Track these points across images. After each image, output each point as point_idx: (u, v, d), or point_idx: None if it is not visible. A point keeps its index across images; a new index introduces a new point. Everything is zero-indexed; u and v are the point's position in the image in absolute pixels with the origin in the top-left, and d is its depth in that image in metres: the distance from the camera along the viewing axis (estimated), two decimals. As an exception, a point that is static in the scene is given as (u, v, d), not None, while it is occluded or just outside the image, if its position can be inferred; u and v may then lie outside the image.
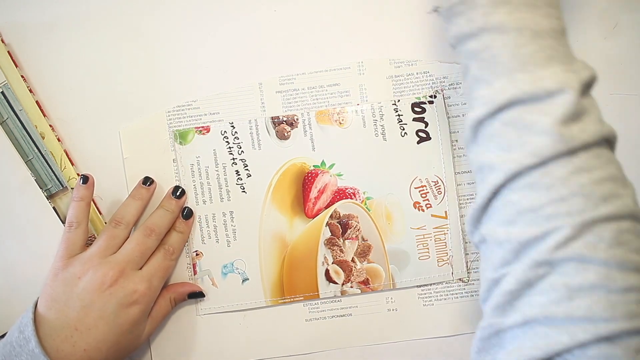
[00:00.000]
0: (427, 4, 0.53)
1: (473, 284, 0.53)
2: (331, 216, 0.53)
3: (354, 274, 0.53)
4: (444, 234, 0.53)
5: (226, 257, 0.54)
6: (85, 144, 0.54)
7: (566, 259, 0.32)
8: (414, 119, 0.53)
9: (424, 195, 0.53)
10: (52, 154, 0.52)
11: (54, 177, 0.52)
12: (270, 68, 0.54)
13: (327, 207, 0.53)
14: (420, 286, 0.54)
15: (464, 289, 0.54)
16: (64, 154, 0.53)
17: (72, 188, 0.52)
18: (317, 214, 0.53)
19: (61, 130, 0.54)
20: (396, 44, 0.54)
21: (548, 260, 0.33)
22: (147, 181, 0.52)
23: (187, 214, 0.53)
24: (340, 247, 0.53)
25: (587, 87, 0.36)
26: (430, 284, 0.54)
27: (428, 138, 0.53)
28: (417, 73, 0.53)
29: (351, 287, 0.53)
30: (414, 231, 0.53)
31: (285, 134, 0.53)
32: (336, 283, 0.53)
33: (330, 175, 0.53)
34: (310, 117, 0.53)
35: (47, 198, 0.52)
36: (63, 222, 0.52)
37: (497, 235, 0.35)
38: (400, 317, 0.54)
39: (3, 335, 0.51)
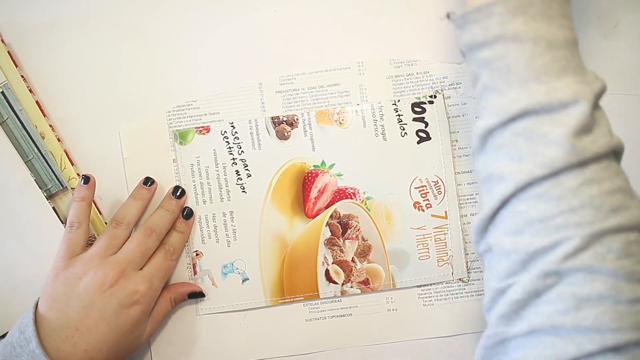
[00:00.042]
0: (432, 6, 0.53)
1: (473, 284, 0.53)
2: (331, 216, 0.53)
3: (354, 274, 0.53)
4: (444, 234, 0.53)
5: (226, 257, 0.54)
6: (85, 144, 0.54)
7: (575, 270, 0.32)
8: (414, 119, 0.53)
9: (424, 195, 0.53)
10: (52, 154, 0.52)
11: (54, 177, 0.52)
12: (270, 68, 0.54)
13: (327, 207, 0.53)
14: (420, 286, 0.54)
15: (464, 289, 0.54)
16: (64, 154, 0.53)
17: (72, 188, 0.52)
18: (317, 214, 0.53)
19: (61, 130, 0.54)
20: (396, 44, 0.54)
21: (556, 271, 0.33)
22: (148, 181, 0.52)
23: (188, 214, 0.53)
24: (340, 247, 0.53)
25: (598, 98, 0.36)
26: (430, 284, 0.54)
27: (428, 138, 0.53)
28: (417, 73, 0.53)
29: (351, 287, 0.53)
30: (414, 231, 0.53)
31: (285, 134, 0.53)
32: (336, 283, 0.53)
33: (330, 175, 0.53)
34: (310, 117, 0.53)
35: (47, 198, 0.52)
36: (63, 222, 0.52)
37: (504, 245, 0.35)
38: (400, 317, 0.54)
39: (3, 336, 0.51)
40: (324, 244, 0.53)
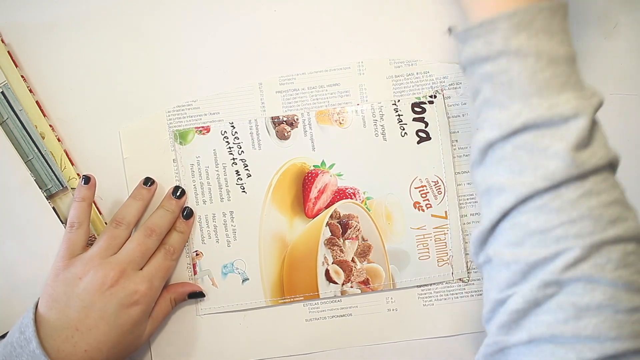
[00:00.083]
0: (432, 6, 0.53)
1: (473, 284, 0.53)
2: (331, 216, 0.53)
3: (354, 274, 0.53)
4: (444, 234, 0.53)
5: (226, 257, 0.54)
6: (85, 144, 0.54)
7: (575, 279, 0.33)
8: (414, 119, 0.53)
9: (424, 195, 0.53)
10: (52, 154, 0.52)
11: (54, 177, 0.52)
12: (270, 68, 0.54)
13: (327, 207, 0.53)
14: (420, 286, 0.54)
15: (464, 289, 0.54)
16: (64, 154, 0.53)
17: (72, 188, 0.52)
18: (317, 214, 0.53)
19: (61, 130, 0.54)
20: (396, 44, 0.54)
21: (557, 281, 0.33)
22: (148, 182, 0.52)
23: (188, 214, 0.53)
24: (340, 247, 0.53)
25: (596, 113, 0.36)
26: (430, 284, 0.54)
27: (428, 138, 0.53)
28: (417, 73, 0.53)
29: (351, 287, 0.53)
30: (414, 231, 0.53)
31: (285, 134, 0.53)
32: (336, 283, 0.53)
33: (330, 175, 0.53)
34: (310, 117, 0.53)
35: (47, 198, 0.52)
36: (63, 222, 0.52)
37: (504, 257, 0.36)
38: (400, 317, 0.54)
39: (4, 336, 0.51)
40: (324, 244, 0.53)
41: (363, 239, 0.53)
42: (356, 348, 0.54)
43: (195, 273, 0.54)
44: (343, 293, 0.54)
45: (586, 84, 0.37)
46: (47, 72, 0.54)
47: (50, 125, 0.53)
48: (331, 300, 0.54)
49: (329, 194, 0.53)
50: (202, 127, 0.53)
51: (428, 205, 0.53)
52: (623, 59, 0.54)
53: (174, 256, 0.51)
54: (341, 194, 0.53)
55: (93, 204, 0.52)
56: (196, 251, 0.54)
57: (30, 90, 0.52)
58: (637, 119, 0.54)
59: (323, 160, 0.53)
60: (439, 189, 0.53)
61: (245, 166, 0.53)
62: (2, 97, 0.52)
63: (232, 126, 0.53)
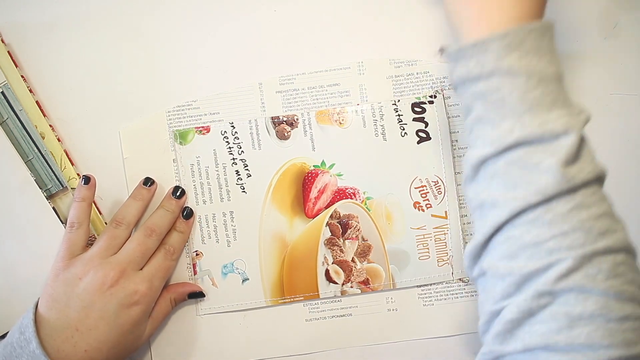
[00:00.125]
0: (432, 6, 0.53)
1: (473, 283, 0.53)
2: (331, 216, 0.53)
3: (354, 274, 0.53)
4: (444, 234, 0.53)
5: (226, 257, 0.54)
6: (85, 144, 0.54)
7: (568, 290, 0.34)
8: (414, 119, 0.53)
9: (424, 195, 0.53)
10: (52, 154, 0.52)
11: (54, 177, 0.52)
12: (270, 68, 0.54)
13: (327, 207, 0.53)
14: (420, 286, 0.54)
15: (464, 289, 0.54)
16: (64, 154, 0.53)
17: (72, 188, 0.52)
18: (317, 214, 0.53)
19: (61, 130, 0.54)
20: (396, 44, 0.54)
21: (550, 291, 0.34)
22: (148, 182, 0.52)
23: (188, 214, 0.53)
24: (340, 247, 0.53)
25: (584, 128, 0.38)
26: (430, 284, 0.54)
27: (428, 138, 0.53)
28: (417, 73, 0.53)
29: (351, 287, 0.53)
30: (414, 231, 0.53)
31: (285, 134, 0.53)
32: (336, 283, 0.53)
33: (330, 175, 0.53)
34: (310, 117, 0.53)
35: (47, 198, 0.52)
36: (63, 222, 0.52)
37: (499, 270, 0.37)
38: (400, 317, 0.54)
39: (4, 336, 0.51)
40: (324, 244, 0.53)
41: (363, 239, 0.53)
42: (356, 348, 0.54)
43: (195, 273, 0.54)
44: (343, 293, 0.54)
45: (573, 101, 0.38)
46: (47, 72, 0.54)
47: (50, 125, 0.53)
48: (331, 300, 0.54)
49: (329, 194, 0.53)
50: (202, 127, 0.53)
51: (428, 205, 0.53)
52: (623, 59, 0.54)
53: (174, 256, 0.51)
54: (341, 194, 0.53)
55: (93, 204, 0.52)
56: (196, 251, 0.54)
57: (30, 90, 0.52)
58: (637, 119, 0.54)
59: (323, 160, 0.53)
60: (439, 189, 0.53)
61: (245, 166, 0.53)
62: (2, 97, 0.52)
63: (232, 126, 0.53)
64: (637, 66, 0.54)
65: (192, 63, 0.54)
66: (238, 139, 0.53)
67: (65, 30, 0.54)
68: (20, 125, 0.52)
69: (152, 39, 0.54)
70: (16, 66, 0.52)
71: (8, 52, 0.52)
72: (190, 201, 0.53)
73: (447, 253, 0.53)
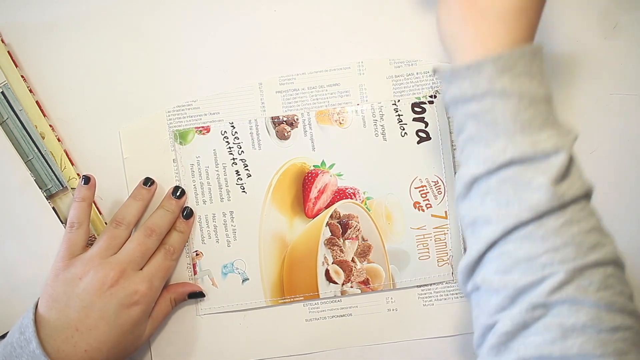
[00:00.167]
0: (432, 6, 0.53)
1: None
2: (331, 216, 0.53)
3: (354, 274, 0.53)
4: (444, 234, 0.53)
5: (226, 257, 0.54)
6: (85, 144, 0.54)
7: (561, 301, 0.35)
8: (414, 119, 0.53)
9: (424, 195, 0.53)
10: (52, 154, 0.52)
11: (54, 177, 0.52)
12: (270, 68, 0.54)
13: (327, 207, 0.53)
14: (420, 286, 0.54)
15: (464, 289, 0.54)
16: (64, 154, 0.53)
17: (72, 188, 0.52)
18: (317, 214, 0.53)
19: (61, 130, 0.54)
20: (396, 44, 0.54)
21: (544, 303, 0.35)
22: (148, 182, 0.52)
23: (188, 213, 0.53)
24: (340, 247, 0.53)
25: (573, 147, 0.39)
26: (430, 284, 0.54)
27: (428, 138, 0.53)
28: (417, 73, 0.53)
29: (351, 287, 0.53)
30: (414, 231, 0.53)
31: (285, 134, 0.53)
32: (336, 283, 0.53)
33: (330, 175, 0.53)
34: (310, 117, 0.53)
35: (47, 198, 0.52)
36: (63, 222, 0.52)
37: (493, 284, 0.38)
38: (400, 317, 0.54)
39: (3, 336, 0.51)
40: (324, 244, 0.53)
41: (363, 239, 0.53)
42: (356, 348, 0.54)
43: (195, 273, 0.54)
44: (343, 293, 0.54)
45: (561, 120, 0.39)
46: (47, 72, 0.54)
47: (50, 125, 0.53)
48: (331, 300, 0.54)
49: (329, 194, 0.53)
50: (202, 127, 0.53)
51: (428, 205, 0.53)
52: (623, 59, 0.54)
53: (174, 256, 0.51)
54: (341, 194, 0.53)
55: (93, 204, 0.52)
56: (196, 251, 0.54)
57: (30, 90, 0.52)
58: (637, 119, 0.54)
59: (323, 160, 0.53)
60: (439, 189, 0.53)
61: (245, 166, 0.53)
62: (2, 97, 0.52)
63: (232, 126, 0.53)
64: (637, 66, 0.54)
65: (192, 63, 0.54)
66: (238, 139, 0.53)
67: (65, 30, 0.54)
68: (20, 125, 0.52)
69: (152, 39, 0.54)
70: (16, 66, 0.52)
71: (8, 52, 0.52)
72: (190, 201, 0.53)
73: (447, 253, 0.53)
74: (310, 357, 0.54)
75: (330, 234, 0.53)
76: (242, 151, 0.53)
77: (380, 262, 0.53)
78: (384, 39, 0.54)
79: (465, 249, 0.53)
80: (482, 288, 0.39)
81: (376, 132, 0.53)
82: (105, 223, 0.53)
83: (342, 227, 0.53)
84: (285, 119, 0.53)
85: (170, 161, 0.54)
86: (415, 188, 0.53)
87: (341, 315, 0.54)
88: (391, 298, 0.54)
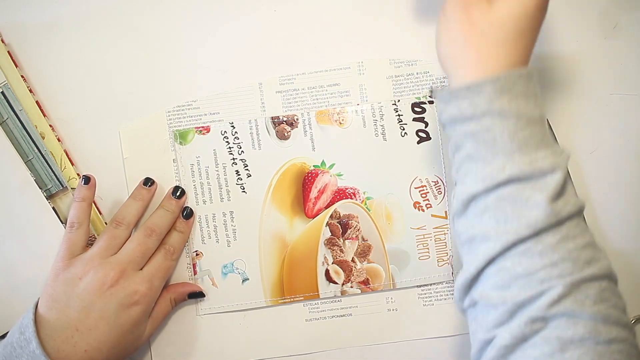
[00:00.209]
0: (432, 7, 0.53)
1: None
2: (331, 216, 0.53)
3: (354, 274, 0.53)
4: (444, 234, 0.53)
5: (226, 257, 0.54)
6: (85, 144, 0.54)
7: (559, 315, 0.36)
8: (414, 119, 0.53)
9: (424, 195, 0.53)
10: (52, 154, 0.52)
11: (54, 177, 0.52)
12: (270, 68, 0.54)
13: (327, 207, 0.53)
14: (420, 286, 0.54)
15: (464, 289, 0.54)
16: (64, 154, 0.53)
17: (72, 188, 0.52)
18: (317, 214, 0.53)
19: (61, 130, 0.54)
20: (396, 44, 0.54)
21: (543, 316, 0.36)
22: (148, 182, 0.52)
23: (188, 213, 0.53)
24: (340, 247, 0.53)
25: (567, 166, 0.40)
26: (430, 284, 0.54)
27: (428, 138, 0.53)
28: (417, 73, 0.53)
29: (351, 287, 0.53)
30: (414, 231, 0.53)
31: (285, 134, 0.53)
32: (336, 283, 0.53)
33: (330, 175, 0.53)
34: (310, 117, 0.53)
35: (47, 198, 0.52)
36: (63, 222, 0.52)
37: (491, 299, 0.38)
38: (400, 317, 0.54)
39: (3, 336, 0.51)
40: (324, 244, 0.53)
41: (363, 239, 0.53)
42: (356, 348, 0.54)
43: (195, 273, 0.54)
44: (343, 293, 0.54)
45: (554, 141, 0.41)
46: (47, 72, 0.54)
47: (50, 125, 0.53)
48: (331, 300, 0.54)
49: (329, 194, 0.53)
50: (202, 127, 0.53)
51: (428, 205, 0.53)
52: (623, 59, 0.54)
53: (174, 256, 0.51)
54: (341, 194, 0.53)
55: (93, 204, 0.52)
56: (196, 251, 0.54)
57: (30, 90, 0.52)
58: (637, 119, 0.54)
59: (323, 160, 0.53)
60: (439, 189, 0.53)
61: (245, 166, 0.53)
62: (2, 97, 0.52)
63: (232, 126, 0.53)
64: (637, 66, 0.54)
65: (192, 63, 0.54)
66: (238, 139, 0.53)
67: (65, 30, 0.54)
68: (20, 125, 0.52)
69: (152, 39, 0.54)
70: (16, 66, 0.52)
71: (8, 52, 0.52)
72: (190, 201, 0.53)
73: (447, 253, 0.53)
74: (310, 357, 0.54)
75: (330, 234, 0.53)
76: (242, 151, 0.53)
77: (380, 262, 0.53)
78: (384, 39, 0.54)
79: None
80: (479, 303, 0.39)
81: (376, 132, 0.53)
82: (105, 223, 0.53)
83: (342, 227, 0.53)
84: (285, 119, 0.53)
85: (170, 161, 0.54)
86: (415, 188, 0.53)
87: (341, 315, 0.54)
88: (391, 298, 0.54)
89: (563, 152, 0.40)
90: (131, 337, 0.48)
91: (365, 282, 0.54)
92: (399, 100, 0.53)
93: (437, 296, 0.54)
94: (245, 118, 0.53)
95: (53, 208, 0.52)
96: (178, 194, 0.53)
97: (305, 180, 0.53)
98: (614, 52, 0.54)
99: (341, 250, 0.53)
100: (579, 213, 0.39)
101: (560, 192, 0.38)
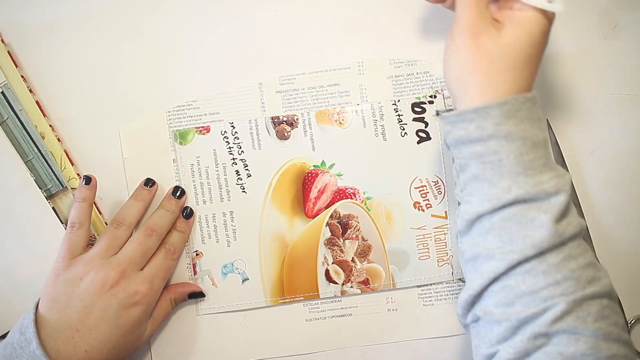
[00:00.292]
0: (432, 7, 0.53)
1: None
2: (331, 216, 0.53)
3: (354, 274, 0.53)
4: (444, 234, 0.53)
5: (226, 257, 0.54)
6: (85, 144, 0.54)
7: (562, 331, 0.37)
8: (414, 119, 0.53)
9: (424, 195, 0.53)
10: (52, 154, 0.52)
11: (54, 177, 0.52)
12: (270, 68, 0.54)
13: (327, 207, 0.53)
14: (420, 286, 0.54)
15: (464, 289, 0.54)
16: (64, 154, 0.53)
17: (72, 188, 0.52)
18: (317, 214, 0.53)
19: (61, 130, 0.54)
20: (396, 44, 0.54)
21: (546, 332, 0.37)
22: (149, 183, 0.52)
23: (188, 213, 0.53)
24: (340, 247, 0.53)
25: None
26: (430, 284, 0.54)
27: (428, 138, 0.53)
28: (417, 73, 0.53)
29: (351, 287, 0.53)
30: (414, 231, 0.53)
31: (285, 134, 0.53)
32: (336, 283, 0.53)
33: (330, 175, 0.53)
34: (310, 117, 0.53)
35: (46, 198, 0.52)
36: (63, 223, 0.52)
37: (494, 316, 0.39)
38: (400, 317, 0.54)
39: (4, 336, 0.51)
40: (324, 244, 0.53)
41: (363, 239, 0.53)
42: (356, 348, 0.54)
43: (195, 273, 0.54)
44: (343, 293, 0.54)
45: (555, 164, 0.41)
46: (47, 72, 0.54)
47: (50, 125, 0.53)
48: (331, 300, 0.54)
49: (329, 194, 0.53)
50: (202, 127, 0.53)
51: (428, 205, 0.53)
52: (623, 59, 0.54)
53: (175, 256, 0.51)
54: (341, 194, 0.53)
55: (93, 204, 0.52)
56: (196, 251, 0.54)
57: (30, 90, 0.52)
58: (637, 119, 0.54)
59: (323, 160, 0.53)
60: (439, 189, 0.53)
61: (245, 166, 0.53)
62: (2, 97, 0.52)
63: (232, 126, 0.53)
64: (637, 66, 0.54)
65: (192, 63, 0.54)
66: (238, 139, 0.53)
67: (65, 30, 0.54)
68: (20, 125, 0.52)
69: (152, 39, 0.54)
70: (16, 66, 0.52)
71: (8, 52, 0.52)
72: (190, 201, 0.53)
73: (447, 253, 0.53)
74: (310, 357, 0.54)
75: (330, 234, 0.53)
76: (242, 151, 0.53)
77: (380, 262, 0.53)
78: (384, 39, 0.54)
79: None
80: (482, 320, 0.40)
81: (376, 132, 0.53)
82: (106, 223, 0.53)
83: (342, 227, 0.53)
84: (285, 119, 0.53)
85: (170, 161, 0.54)
86: (415, 188, 0.53)
87: (341, 315, 0.54)
88: (391, 298, 0.54)
89: (566, 174, 0.41)
90: (132, 338, 0.48)
91: (365, 282, 0.54)
92: (399, 100, 0.53)
93: (437, 296, 0.54)
94: (245, 118, 0.53)
95: (53, 208, 0.52)
96: (178, 194, 0.53)
97: (305, 180, 0.53)
98: (614, 52, 0.54)
99: (341, 250, 0.53)
100: (580, 233, 0.40)
101: (564, 214, 0.39)
